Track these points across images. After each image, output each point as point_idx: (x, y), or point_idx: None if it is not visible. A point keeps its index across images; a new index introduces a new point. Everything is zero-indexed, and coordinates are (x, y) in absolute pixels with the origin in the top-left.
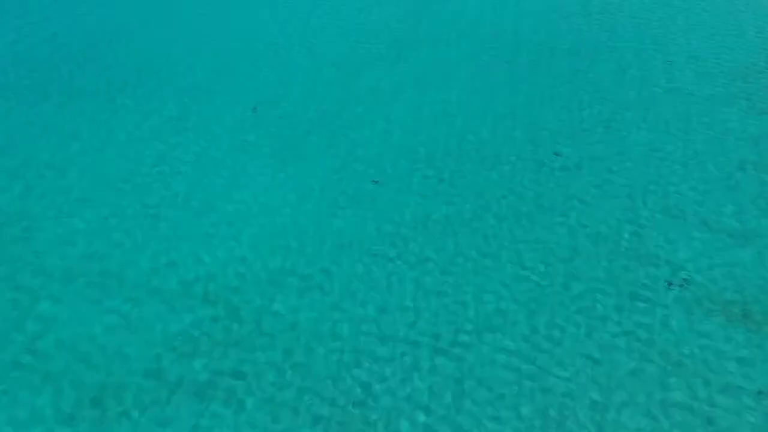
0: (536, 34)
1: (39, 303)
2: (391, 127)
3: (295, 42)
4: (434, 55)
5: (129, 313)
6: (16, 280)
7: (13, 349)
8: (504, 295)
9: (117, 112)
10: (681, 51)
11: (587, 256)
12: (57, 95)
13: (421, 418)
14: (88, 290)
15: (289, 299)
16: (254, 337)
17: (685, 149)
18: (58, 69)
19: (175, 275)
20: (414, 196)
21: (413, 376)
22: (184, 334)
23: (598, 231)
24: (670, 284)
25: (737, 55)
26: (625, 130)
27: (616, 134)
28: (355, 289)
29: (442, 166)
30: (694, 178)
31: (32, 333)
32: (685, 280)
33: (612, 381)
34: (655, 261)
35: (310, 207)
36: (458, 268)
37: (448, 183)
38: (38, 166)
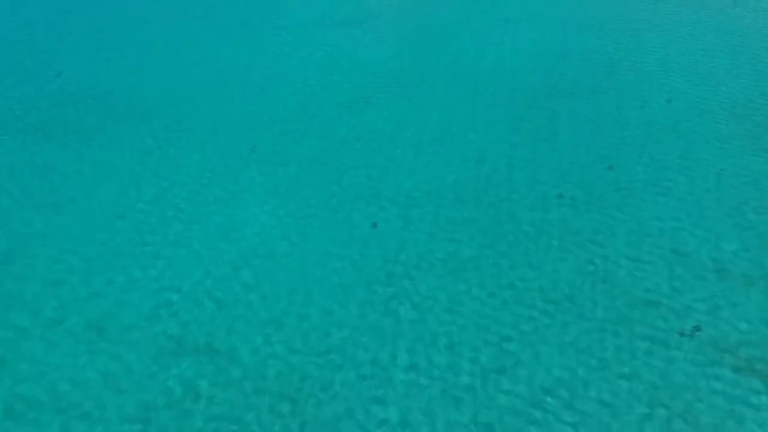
0: (534, 75)
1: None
2: (390, 166)
3: (295, 81)
4: (434, 96)
5: (126, 348)
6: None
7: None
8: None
9: (116, 151)
10: (679, 88)
11: (593, 296)
12: (61, 134)
13: None
14: (82, 328)
15: (291, 340)
16: (253, 380)
17: (687, 187)
18: (64, 109)
19: (170, 313)
20: (415, 236)
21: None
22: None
23: (602, 270)
24: (681, 333)
25: (736, 93)
26: (627, 169)
27: (619, 174)
28: (358, 331)
29: (444, 205)
30: (697, 216)
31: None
32: (695, 328)
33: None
34: (662, 305)
35: (309, 247)
36: (463, 307)
37: (451, 222)
38: (42, 202)
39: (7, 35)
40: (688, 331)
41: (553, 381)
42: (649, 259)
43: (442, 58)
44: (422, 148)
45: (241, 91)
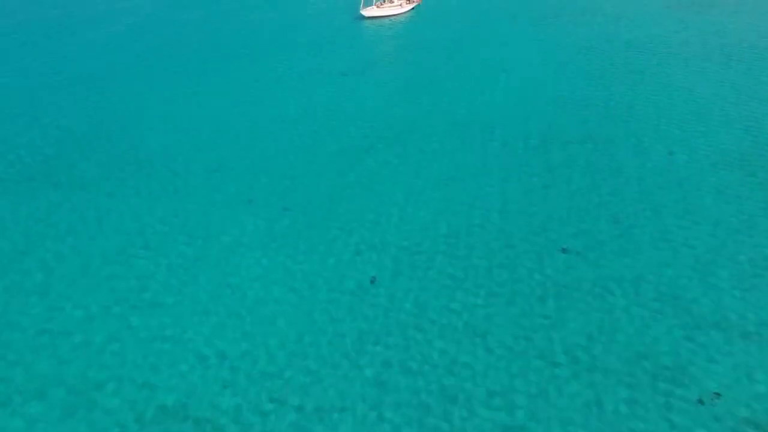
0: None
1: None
2: (388, 217)
3: (295, 133)
4: (431, 146)
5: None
6: None
7: None
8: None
9: (115, 202)
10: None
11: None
12: (61, 185)
13: None
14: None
15: (290, 395)
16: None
17: (687, 238)
18: (63, 160)
19: (171, 360)
20: (414, 286)
21: None
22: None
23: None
24: (701, 401)
25: (733, 143)
26: (631, 222)
27: (623, 227)
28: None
29: (442, 258)
30: (703, 267)
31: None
32: (716, 394)
33: None
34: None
35: (309, 301)
36: (467, 358)
37: (452, 275)
38: (46, 248)
39: (10, 87)
40: (707, 398)
41: None
42: None
43: (435, 106)
44: (419, 193)
45: (243, 138)
